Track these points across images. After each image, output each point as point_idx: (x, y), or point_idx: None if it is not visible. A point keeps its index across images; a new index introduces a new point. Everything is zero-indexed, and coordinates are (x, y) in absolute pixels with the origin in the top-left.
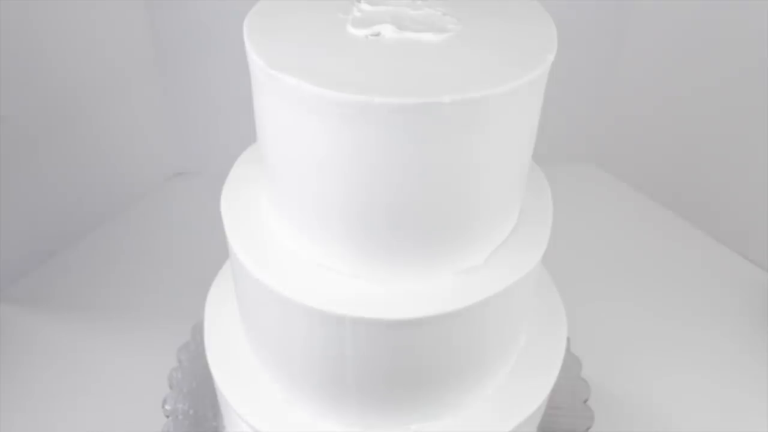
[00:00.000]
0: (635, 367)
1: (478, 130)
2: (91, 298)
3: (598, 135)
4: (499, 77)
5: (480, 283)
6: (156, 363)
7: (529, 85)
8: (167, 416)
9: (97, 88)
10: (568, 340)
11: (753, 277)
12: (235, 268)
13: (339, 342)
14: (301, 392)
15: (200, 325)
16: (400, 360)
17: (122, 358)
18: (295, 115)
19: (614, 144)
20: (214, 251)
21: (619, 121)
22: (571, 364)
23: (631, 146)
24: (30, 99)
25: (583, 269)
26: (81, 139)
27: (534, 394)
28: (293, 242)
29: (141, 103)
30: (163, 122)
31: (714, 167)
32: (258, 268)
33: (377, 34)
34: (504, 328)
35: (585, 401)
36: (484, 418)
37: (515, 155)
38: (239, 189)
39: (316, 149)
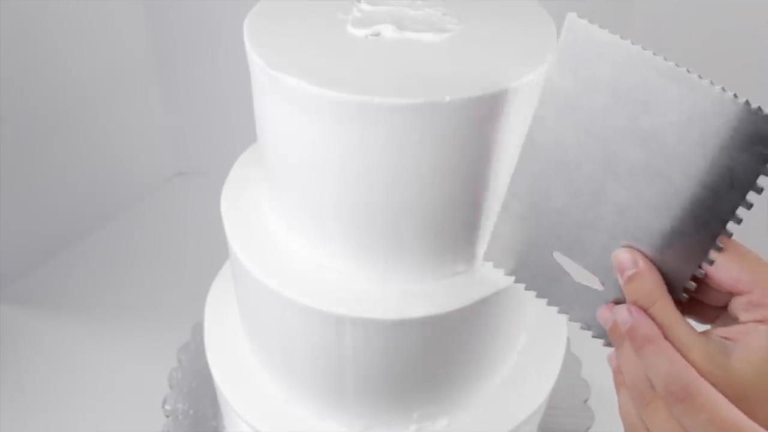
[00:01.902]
0: None
1: (478, 130)
2: (91, 298)
3: None
4: (499, 77)
5: (479, 283)
6: (156, 363)
7: (529, 85)
8: (167, 416)
9: (97, 88)
10: (568, 340)
11: None
12: (235, 268)
13: (338, 342)
14: (300, 392)
15: (200, 325)
16: (399, 360)
17: (122, 358)
18: (295, 115)
19: None
20: (214, 251)
21: None
22: (571, 364)
23: None
24: (30, 100)
25: None
26: (81, 140)
27: (534, 394)
28: (293, 242)
29: (141, 104)
30: (163, 122)
31: None
32: (258, 268)
33: (377, 34)
34: (503, 328)
35: (585, 401)
36: (484, 418)
37: (515, 155)
38: (239, 189)
39: (316, 149)
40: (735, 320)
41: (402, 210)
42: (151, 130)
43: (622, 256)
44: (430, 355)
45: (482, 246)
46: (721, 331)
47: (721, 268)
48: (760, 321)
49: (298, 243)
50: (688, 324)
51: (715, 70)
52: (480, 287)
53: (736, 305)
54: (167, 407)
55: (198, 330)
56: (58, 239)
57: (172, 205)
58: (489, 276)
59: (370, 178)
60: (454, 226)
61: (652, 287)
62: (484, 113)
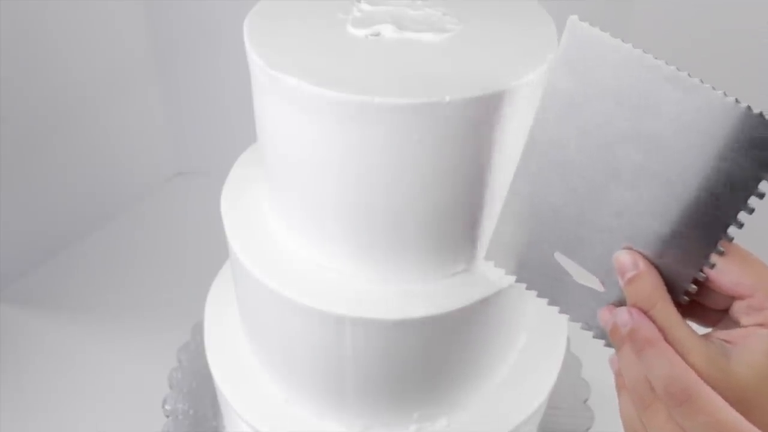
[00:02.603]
0: None
1: (478, 130)
2: (91, 298)
3: None
4: (499, 77)
5: (479, 283)
6: (156, 363)
7: (529, 85)
8: (167, 416)
9: (97, 88)
10: (568, 340)
11: None
12: (235, 268)
13: (338, 342)
14: (300, 392)
15: (200, 325)
16: (399, 359)
17: (122, 358)
18: (295, 115)
19: None
20: (214, 251)
21: None
22: (571, 364)
23: None
24: (30, 100)
25: None
26: (81, 140)
27: (534, 394)
28: (293, 242)
29: (141, 104)
30: (163, 122)
31: None
32: (258, 268)
33: (377, 34)
34: (503, 328)
35: (585, 401)
36: (484, 418)
37: (515, 155)
38: (239, 189)
39: (316, 149)
40: (736, 324)
41: (402, 210)
42: (151, 130)
43: (623, 257)
44: (430, 355)
45: (483, 246)
46: (722, 334)
47: (723, 272)
48: (761, 324)
49: (298, 243)
50: (689, 327)
51: (715, 71)
52: (480, 287)
53: (738, 309)
54: (167, 407)
55: (198, 330)
56: (58, 239)
57: (172, 205)
58: (489, 276)
59: (370, 178)
60: (454, 226)
61: (652, 289)
62: (484, 113)
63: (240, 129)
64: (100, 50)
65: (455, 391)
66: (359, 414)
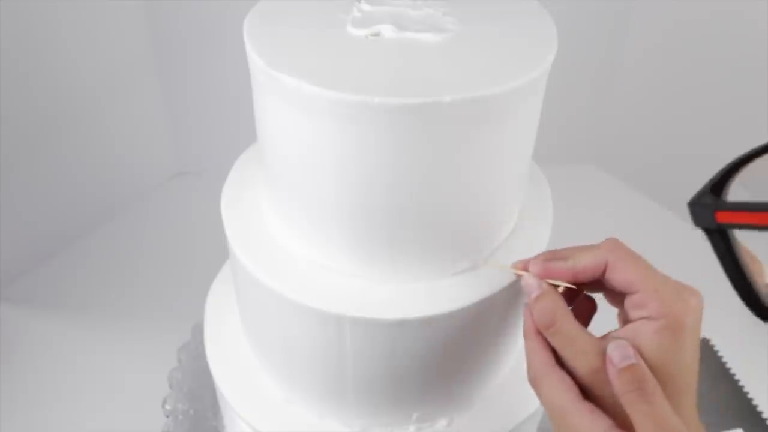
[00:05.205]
0: None
1: (478, 130)
2: (91, 297)
3: (598, 135)
4: (499, 77)
5: (480, 282)
6: (156, 363)
7: (529, 85)
8: (167, 416)
9: (97, 88)
10: None
11: None
12: (235, 268)
13: (338, 342)
14: (300, 392)
15: (200, 325)
16: (399, 360)
17: (122, 358)
18: (294, 115)
19: (614, 144)
20: (214, 251)
21: (619, 122)
22: None
23: (631, 146)
24: (30, 99)
25: None
26: (81, 140)
27: (534, 394)
28: (293, 242)
29: (141, 103)
30: (163, 122)
31: (714, 168)
32: (258, 268)
33: (377, 34)
34: (503, 328)
35: None
36: (484, 418)
37: (515, 155)
38: (239, 189)
39: (316, 149)
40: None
41: (402, 210)
42: (151, 130)
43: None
44: (430, 356)
45: (483, 245)
46: (617, 332)
47: (615, 270)
48: (647, 318)
49: (298, 243)
50: (587, 333)
51: (714, 71)
52: (480, 287)
53: (627, 305)
54: (167, 407)
55: (198, 330)
56: (59, 239)
57: (172, 205)
58: (489, 276)
59: (370, 178)
60: (455, 225)
61: (554, 306)
62: (484, 113)
63: (240, 129)
64: (101, 50)
65: (455, 392)
66: (359, 414)
